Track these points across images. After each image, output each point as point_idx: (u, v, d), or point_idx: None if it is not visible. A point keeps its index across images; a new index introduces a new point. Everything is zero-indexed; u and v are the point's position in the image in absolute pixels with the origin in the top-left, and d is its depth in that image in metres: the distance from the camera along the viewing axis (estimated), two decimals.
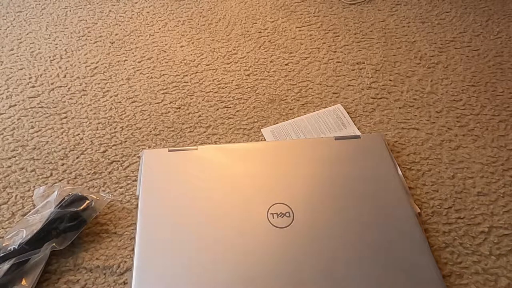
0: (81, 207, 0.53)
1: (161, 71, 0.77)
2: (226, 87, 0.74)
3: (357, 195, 0.55)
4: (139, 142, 0.65)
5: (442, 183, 0.61)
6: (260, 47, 0.83)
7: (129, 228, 0.55)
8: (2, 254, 0.48)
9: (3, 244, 0.49)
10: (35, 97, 0.72)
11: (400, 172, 0.59)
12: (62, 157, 0.63)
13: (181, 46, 0.82)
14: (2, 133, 0.66)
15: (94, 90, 0.73)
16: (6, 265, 0.47)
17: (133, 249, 0.52)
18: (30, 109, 0.70)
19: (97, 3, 0.92)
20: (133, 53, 0.80)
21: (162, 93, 0.73)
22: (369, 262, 0.49)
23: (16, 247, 0.48)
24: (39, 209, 0.54)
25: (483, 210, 0.58)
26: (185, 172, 0.57)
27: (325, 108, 0.71)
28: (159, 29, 0.86)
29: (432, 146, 0.65)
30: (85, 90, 0.73)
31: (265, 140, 0.66)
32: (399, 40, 0.85)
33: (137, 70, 0.77)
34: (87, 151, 0.64)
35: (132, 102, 0.71)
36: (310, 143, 0.62)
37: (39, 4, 0.91)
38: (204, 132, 0.67)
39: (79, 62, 0.78)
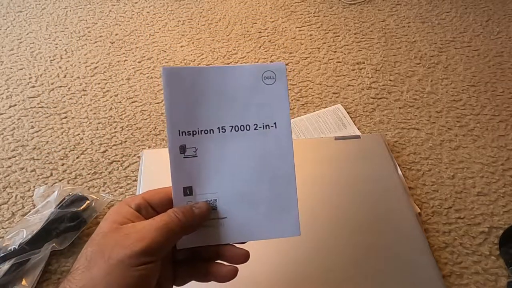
0: (81, 207, 0.53)
1: (161, 71, 0.77)
2: None
3: (357, 195, 0.55)
4: (139, 142, 0.65)
5: (442, 183, 0.61)
6: (260, 47, 0.83)
7: None
8: (2, 254, 0.48)
9: (3, 244, 0.49)
10: (35, 97, 0.72)
11: (400, 172, 0.59)
12: (62, 157, 0.63)
13: (181, 46, 0.82)
14: (2, 133, 0.66)
15: (94, 90, 0.73)
16: (6, 265, 0.47)
17: None
18: (30, 109, 0.70)
19: (97, 3, 0.92)
20: (133, 53, 0.80)
21: (162, 93, 0.73)
22: (369, 262, 0.49)
23: (16, 247, 0.48)
24: (39, 209, 0.54)
25: (483, 210, 0.57)
26: None
27: (325, 108, 0.71)
28: (159, 29, 0.86)
29: (432, 146, 0.65)
30: (85, 90, 0.73)
31: None
32: (399, 40, 0.85)
33: (137, 70, 0.77)
34: (87, 151, 0.64)
35: (132, 102, 0.71)
36: (310, 143, 0.62)
37: (39, 4, 0.91)
38: None
39: (79, 62, 0.78)
